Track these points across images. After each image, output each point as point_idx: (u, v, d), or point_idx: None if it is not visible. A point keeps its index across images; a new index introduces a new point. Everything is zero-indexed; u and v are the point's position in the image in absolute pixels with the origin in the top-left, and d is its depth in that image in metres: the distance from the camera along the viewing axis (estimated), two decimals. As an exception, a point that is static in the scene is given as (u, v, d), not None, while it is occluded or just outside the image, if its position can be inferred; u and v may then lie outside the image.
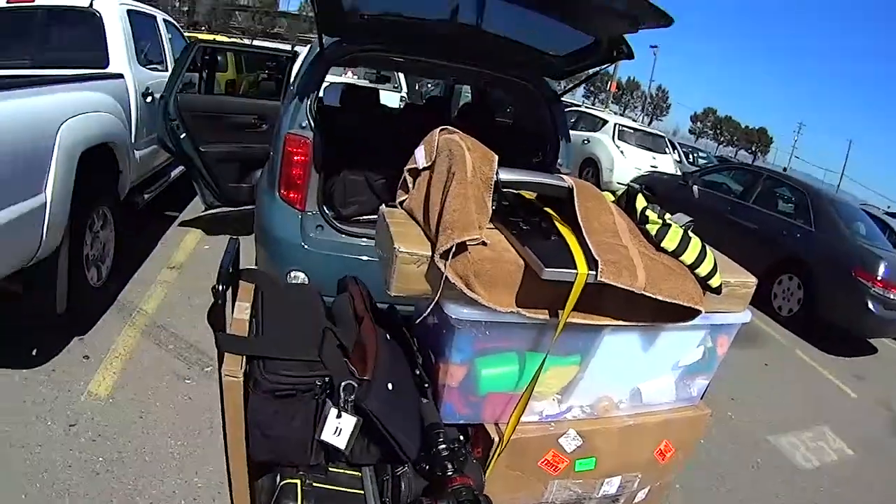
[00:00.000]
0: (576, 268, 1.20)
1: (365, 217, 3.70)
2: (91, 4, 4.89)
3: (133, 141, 4.69)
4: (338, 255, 3.32)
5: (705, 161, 19.03)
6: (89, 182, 3.66)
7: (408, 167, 1.49)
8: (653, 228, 1.39)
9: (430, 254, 1.26)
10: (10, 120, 2.96)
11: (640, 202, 1.45)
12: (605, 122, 13.30)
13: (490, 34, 3.36)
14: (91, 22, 4.88)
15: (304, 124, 3.32)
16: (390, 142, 3.60)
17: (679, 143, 21.57)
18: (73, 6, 4.96)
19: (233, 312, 1.39)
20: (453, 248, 1.20)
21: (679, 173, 11.12)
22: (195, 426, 3.14)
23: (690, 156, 17.00)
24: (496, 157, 1.38)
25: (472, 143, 1.40)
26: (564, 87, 4.40)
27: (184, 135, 5.02)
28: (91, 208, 3.90)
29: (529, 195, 1.51)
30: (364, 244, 3.37)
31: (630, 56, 3.06)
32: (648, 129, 14.23)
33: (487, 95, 6.12)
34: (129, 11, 5.17)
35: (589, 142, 12.78)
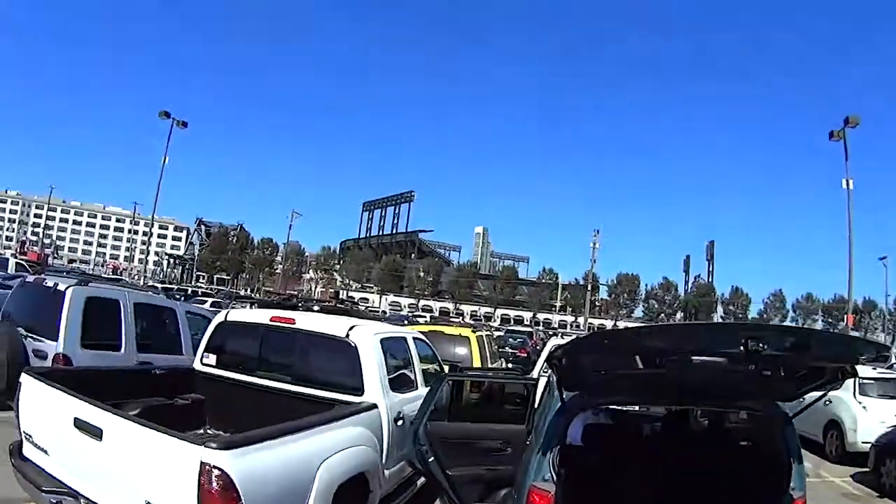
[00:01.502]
0: None
1: None
2: (347, 335, 5.61)
3: (384, 462, 5.27)
4: None
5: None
6: (343, 504, 4.18)
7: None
8: None
9: None
10: (279, 465, 3.67)
11: None
12: None
13: (719, 371, 3.57)
14: (347, 351, 5.55)
15: (546, 477, 3.62)
16: (632, 484, 3.83)
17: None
18: (332, 335, 5.76)
19: None
20: None
21: None
22: None
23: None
24: None
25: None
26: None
27: (432, 458, 5.40)
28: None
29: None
30: None
31: (854, 375, 3.32)
32: (890, 375, 13.90)
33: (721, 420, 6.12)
34: (382, 340, 5.88)
35: (830, 402, 12.41)
